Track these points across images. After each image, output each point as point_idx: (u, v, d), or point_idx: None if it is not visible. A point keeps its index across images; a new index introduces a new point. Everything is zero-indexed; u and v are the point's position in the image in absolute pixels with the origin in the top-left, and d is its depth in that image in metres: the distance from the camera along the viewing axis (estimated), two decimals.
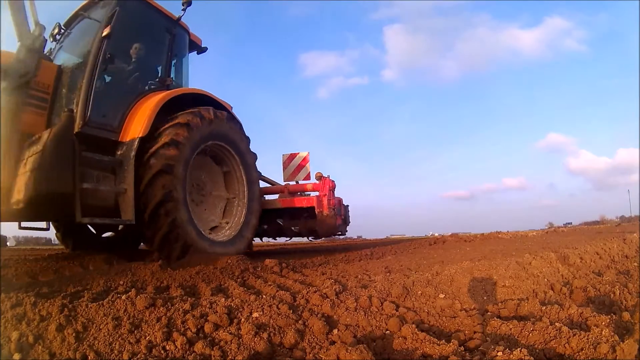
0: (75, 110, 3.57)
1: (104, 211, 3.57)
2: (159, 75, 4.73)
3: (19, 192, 2.92)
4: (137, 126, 3.91)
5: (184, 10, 4.66)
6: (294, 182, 6.72)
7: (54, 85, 3.74)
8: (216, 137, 4.49)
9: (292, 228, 6.34)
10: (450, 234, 10.85)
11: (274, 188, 6.66)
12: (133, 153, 3.72)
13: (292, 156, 6.89)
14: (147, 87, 4.53)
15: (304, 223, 6.22)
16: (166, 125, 3.99)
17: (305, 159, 6.85)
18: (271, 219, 6.30)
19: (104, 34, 3.91)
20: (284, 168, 6.86)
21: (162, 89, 4.57)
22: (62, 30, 4.55)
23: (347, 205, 6.78)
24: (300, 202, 6.11)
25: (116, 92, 4.12)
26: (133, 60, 4.40)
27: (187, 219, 3.89)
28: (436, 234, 19.22)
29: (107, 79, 4.03)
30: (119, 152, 3.86)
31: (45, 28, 3.51)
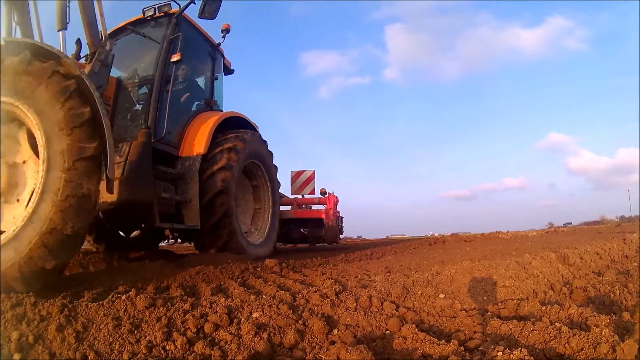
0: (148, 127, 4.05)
1: (168, 217, 4.08)
2: (205, 96, 5.30)
3: (108, 199, 3.09)
4: (197, 144, 4.52)
5: (223, 37, 5.27)
6: (300, 196, 7.98)
7: (114, 97, 4.01)
8: (253, 156, 5.11)
9: (302, 230, 7.56)
10: (450, 233, 10.84)
11: (284, 200, 7.57)
12: (196, 168, 4.35)
13: (300, 173, 8.14)
14: (194, 107, 5.09)
15: (311, 231, 7.56)
16: (218, 149, 4.58)
17: (311, 176, 8.09)
18: (282, 226, 7.04)
19: (174, 59, 4.39)
20: (292, 182, 8.03)
21: (207, 109, 5.19)
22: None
23: (342, 217, 8.15)
24: (312, 214, 7.66)
25: (177, 112, 4.59)
26: (187, 81, 4.95)
27: (239, 230, 4.62)
28: (436, 234, 19.21)
29: (170, 99, 4.42)
30: (178, 166, 4.43)
31: (115, 44, 3.80)
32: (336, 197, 7.78)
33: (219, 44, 5.40)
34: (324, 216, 7.44)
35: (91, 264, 3.77)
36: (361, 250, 5.93)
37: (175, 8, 4.56)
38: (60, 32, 3.52)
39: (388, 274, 2.87)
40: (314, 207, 8.01)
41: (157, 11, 4.60)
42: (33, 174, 2.58)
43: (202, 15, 4.52)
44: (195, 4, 4.56)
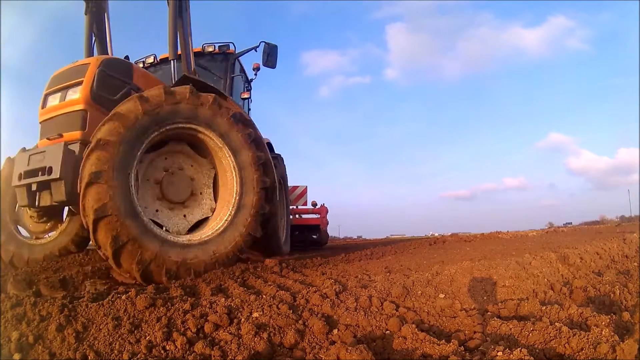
0: None
1: None
2: None
3: None
4: None
5: (255, 75, 6.07)
6: (294, 207, 9.92)
7: None
8: (280, 176, 5.66)
9: (313, 236, 9.91)
10: (450, 233, 10.88)
11: None
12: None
13: (294, 188, 10.10)
14: None
15: (309, 235, 9.77)
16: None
17: (304, 191, 10.31)
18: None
19: (245, 96, 5.76)
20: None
21: None
22: (156, 62, 5.51)
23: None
24: (309, 222, 9.97)
25: None
26: None
27: (280, 232, 5.43)
28: (436, 234, 19.22)
29: None
30: None
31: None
32: (327, 207, 10.11)
33: (252, 80, 6.28)
34: (320, 223, 9.81)
35: (90, 264, 3.77)
36: (361, 250, 5.94)
37: (231, 48, 5.56)
38: (172, 61, 4.38)
39: (388, 274, 2.87)
40: (304, 215, 10.28)
41: (216, 48, 5.49)
42: (208, 189, 3.73)
43: (265, 64, 5.48)
44: (256, 51, 5.57)
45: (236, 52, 5.65)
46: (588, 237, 6.02)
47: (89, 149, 2.96)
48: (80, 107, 3.59)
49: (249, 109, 6.47)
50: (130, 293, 1.96)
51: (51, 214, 4.47)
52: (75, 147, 3.43)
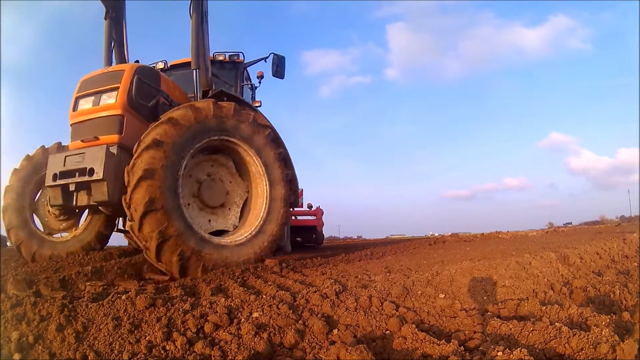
0: None
1: None
2: None
3: None
4: None
5: (260, 82, 6.26)
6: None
7: None
8: None
9: (312, 236, 10.32)
10: (450, 234, 10.89)
11: None
12: None
13: None
14: None
15: (306, 235, 10.22)
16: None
17: (300, 193, 10.17)
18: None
19: (257, 105, 6.04)
20: None
21: None
22: (166, 68, 5.73)
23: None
24: (307, 223, 10.27)
25: None
26: None
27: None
28: (436, 234, 19.21)
29: None
30: None
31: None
32: (322, 209, 10.56)
33: (256, 87, 6.48)
34: (316, 224, 10.23)
35: (90, 264, 3.77)
36: (361, 250, 5.94)
37: (240, 58, 5.88)
38: (195, 71, 4.53)
39: (388, 274, 2.87)
40: (300, 217, 10.61)
41: (226, 57, 5.83)
42: (237, 208, 4.15)
43: (275, 75, 5.71)
44: (265, 62, 5.83)
45: (245, 62, 5.96)
46: (588, 237, 6.03)
47: (142, 147, 3.22)
48: (117, 112, 3.75)
49: None
50: (130, 293, 1.96)
51: (73, 214, 4.73)
52: (114, 150, 3.58)
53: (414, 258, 4.19)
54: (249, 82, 6.31)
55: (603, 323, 1.62)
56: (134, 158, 3.24)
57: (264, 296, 2.17)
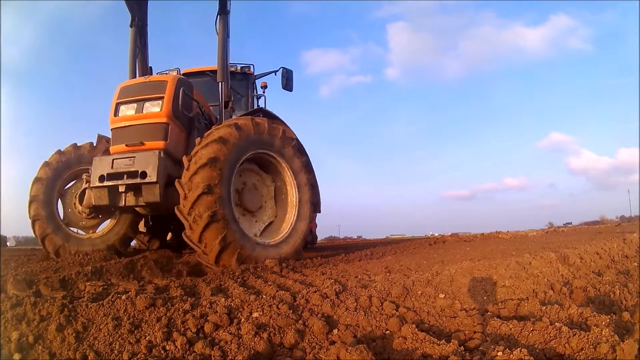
0: None
1: None
2: None
3: None
4: None
5: (264, 92, 6.57)
6: None
7: None
8: None
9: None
10: (450, 234, 10.87)
11: None
12: None
13: None
14: None
15: None
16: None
17: None
18: None
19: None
20: None
21: None
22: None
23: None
24: None
25: None
26: None
27: None
28: (436, 234, 19.21)
29: None
30: None
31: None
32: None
33: (260, 96, 6.72)
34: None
35: (90, 264, 3.77)
36: (361, 250, 5.93)
37: (251, 70, 6.27)
38: (220, 83, 4.87)
39: (388, 274, 2.87)
40: None
41: (238, 68, 6.22)
42: (271, 201, 4.59)
43: (284, 87, 6.09)
44: (275, 75, 6.22)
45: (255, 74, 6.32)
46: (588, 237, 6.03)
47: (199, 165, 3.60)
48: (163, 120, 4.12)
49: None
50: (130, 293, 1.96)
51: (104, 213, 4.93)
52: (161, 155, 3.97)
53: (414, 258, 4.19)
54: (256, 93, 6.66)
55: (603, 323, 1.62)
56: (190, 174, 3.59)
57: (264, 296, 2.17)
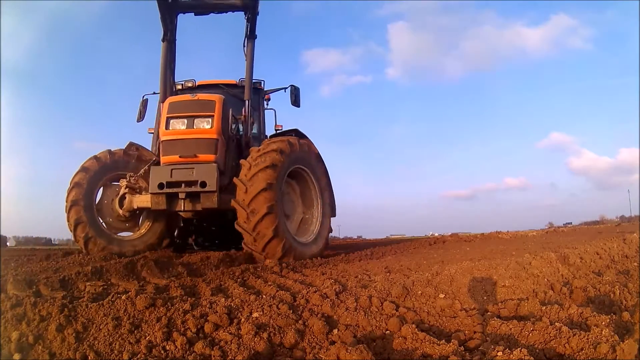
0: None
1: None
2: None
3: None
4: None
5: (267, 104, 6.91)
6: None
7: None
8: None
9: None
10: (450, 233, 10.84)
11: None
12: None
13: None
14: None
15: None
16: None
17: None
18: None
19: (278, 128, 6.54)
20: None
21: None
22: (194, 87, 6.35)
23: None
24: None
25: None
26: None
27: None
28: (436, 234, 19.16)
29: None
30: None
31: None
32: None
33: (271, 109, 7.21)
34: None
35: (90, 264, 3.77)
36: (361, 250, 5.93)
37: (261, 85, 6.54)
38: (247, 101, 5.44)
39: (388, 273, 2.87)
40: None
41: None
42: (300, 206, 5.29)
43: (293, 104, 6.54)
44: (285, 92, 6.62)
45: (266, 89, 6.71)
46: (588, 237, 6.02)
47: (261, 167, 4.27)
48: (213, 136, 4.66)
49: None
50: (130, 293, 1.96)
51: (137, 217, 5.25)
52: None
53: (414, 258, 4.19)
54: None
55: (603, 323, 1.62)
56: (252, 173, 4.27)
57: (264, 296, 2.17)
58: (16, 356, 1.49)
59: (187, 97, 4.96)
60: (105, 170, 5.06)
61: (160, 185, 4.40)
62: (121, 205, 4.98)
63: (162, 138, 4.72)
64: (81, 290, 2.69)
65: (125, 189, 4.90)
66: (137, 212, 5.11)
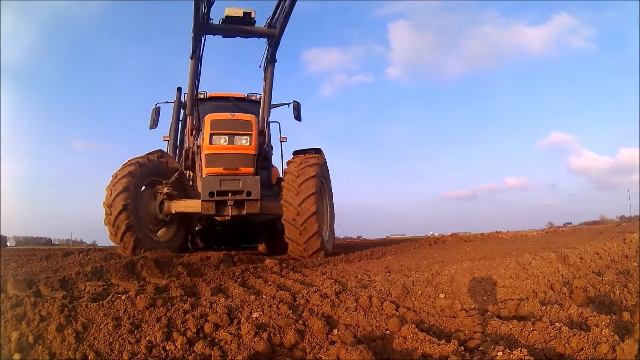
0: None
1: None
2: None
3: None
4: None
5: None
6: None
7: None
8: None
9: None
10: (450, 234, 10.85)
11: None
12: None
13: None
14: None
15: None
16: None
17: None
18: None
19: (283, 140, 7.55)
20: None
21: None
22: (205, 98, 6.89)
23: None
24: None
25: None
26: None
27: None
28: (436, 234, 19.19)
29: None
30: None
31: None
32: None
33: (275, 122, 7.85)
34: None
35: (90, 264, 3.77)
36: (361, 250, 5.93)
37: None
38: (266, 118, 6.29)
39: (388, 274, 2.87)
40: None
41: (258, 97, 6.98)
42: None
43: (296, 118, 7.36)
44: (288, 107, 7.40)
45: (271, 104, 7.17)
46: (588, 237, 6.02)
47: (309, 176, 5.12)
48: (252, 152, 5.45)
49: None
50: (130, 293, 1.96)
51: (171, 222, 5.64)
52: None
53: (414, 258, 4.19)
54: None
55: (603, 323, 1.62)
56: (301, 180, 5.08)
57: (264, 296, 2.17)
58: (16, 356, 1.49)
59: (226, 115, 5.61)
60: (147, 175, 5.33)
61: (211, 194, 5.01)
62: (160, 209, 5.32)
63: (206, 152, 5.36)
64: (81, 290, 2.68)
65: (164, 195, 5.31)
66: (169, 217, 5.49)
